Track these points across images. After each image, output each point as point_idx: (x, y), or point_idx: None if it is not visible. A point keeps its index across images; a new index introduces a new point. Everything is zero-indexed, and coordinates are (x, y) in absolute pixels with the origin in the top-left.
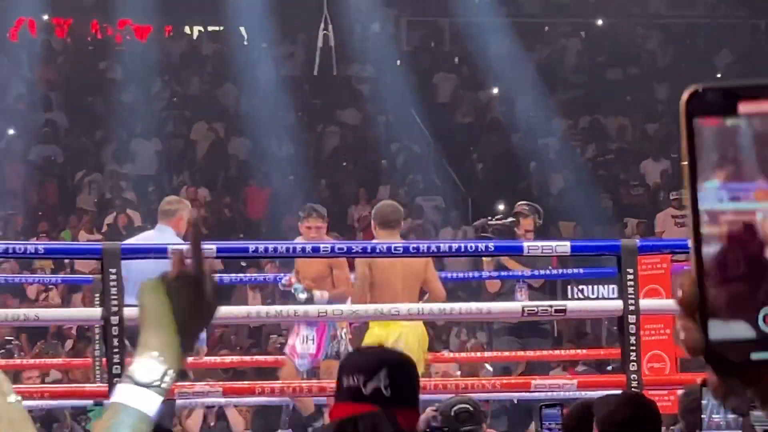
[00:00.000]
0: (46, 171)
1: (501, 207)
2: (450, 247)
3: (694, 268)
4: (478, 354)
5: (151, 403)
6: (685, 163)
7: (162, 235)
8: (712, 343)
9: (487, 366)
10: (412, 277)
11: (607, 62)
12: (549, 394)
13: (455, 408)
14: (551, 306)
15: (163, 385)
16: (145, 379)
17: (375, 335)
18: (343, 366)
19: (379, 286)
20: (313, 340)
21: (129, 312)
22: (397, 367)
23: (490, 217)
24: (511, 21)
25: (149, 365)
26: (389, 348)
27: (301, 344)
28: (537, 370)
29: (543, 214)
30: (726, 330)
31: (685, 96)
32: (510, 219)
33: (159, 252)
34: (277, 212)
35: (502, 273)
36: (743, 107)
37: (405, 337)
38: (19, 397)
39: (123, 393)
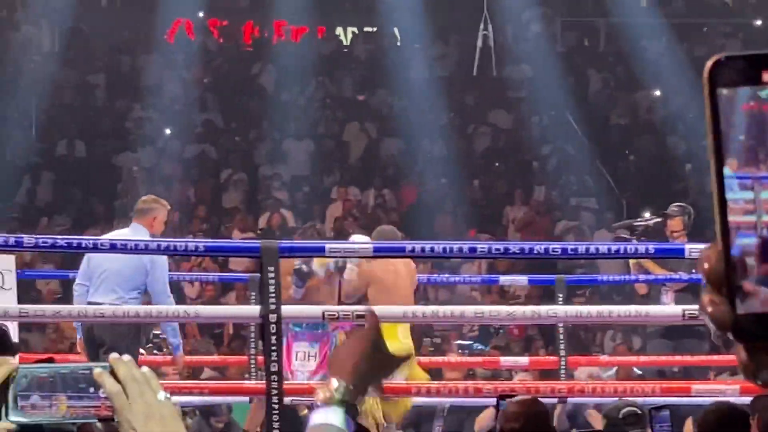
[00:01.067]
0: (202, 170)
1: (649, 210)
2: (609, 249)
3: (721, 239)
4: (633, 358)
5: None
6: (710, 136)
7: (135, 233)
8: (740, 317)
9: (636, 369)
10: (413, 281)
11: None
12: (710, 398)
13: (623, 411)
14: None
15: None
16: (335, 398)
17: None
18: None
19: (389, 292)
20: (315, 356)
21: (287, 310)
22: None
23: (635, 219)
24: (667, 21)
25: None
26: None
27: (299, 361)
28: (694, 374)
29: (693, 215)
30: (754, 304)
31: (708, 65)
32: (656, 219)
33: (317, 251)
34: (430, 212)
35: (650, 276)
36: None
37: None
38: (168, 394)
39: (321, 416)
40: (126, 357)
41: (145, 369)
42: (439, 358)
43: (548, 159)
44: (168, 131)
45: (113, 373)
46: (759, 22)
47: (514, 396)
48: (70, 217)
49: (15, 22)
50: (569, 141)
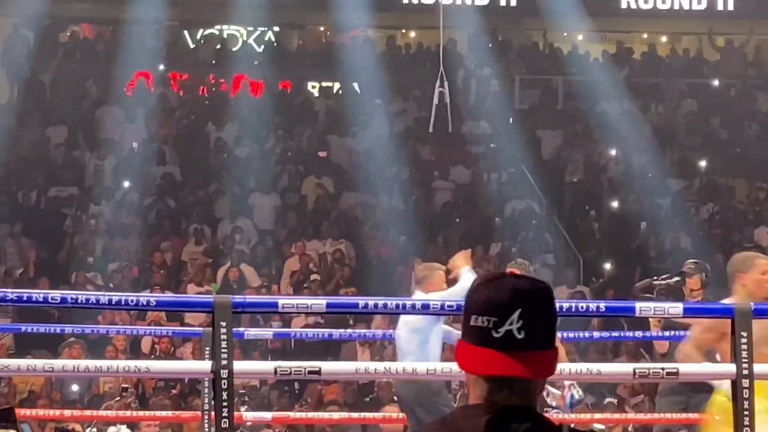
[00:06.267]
0: (161, 223)
1: (608, 266)
2: (560, 307)
3: None
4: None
5: None
6: None
7: None
8: None
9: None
10: None
11: (721, 123)
12: None
13: None
14: (663, 368)
15: None
16: None
17: None
18: (470, 301)
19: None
20: None
21: (239, 365)
22: (533, 305)
23: (655, 277)
24: (625, 80)
25: None
26: (522, 276)
27: None
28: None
29: (709, 272)
30: None
31: None
32: (675, 278)
33: (270, 306)
34: (388, 267)
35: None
36: None
37: None
38: None
39: None
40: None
41: None
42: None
43: (507, 215)
44: (127, 184)
45: None
46: (716, 83)
47: None
48: (26, 270)
49: None
50: (527, 198)
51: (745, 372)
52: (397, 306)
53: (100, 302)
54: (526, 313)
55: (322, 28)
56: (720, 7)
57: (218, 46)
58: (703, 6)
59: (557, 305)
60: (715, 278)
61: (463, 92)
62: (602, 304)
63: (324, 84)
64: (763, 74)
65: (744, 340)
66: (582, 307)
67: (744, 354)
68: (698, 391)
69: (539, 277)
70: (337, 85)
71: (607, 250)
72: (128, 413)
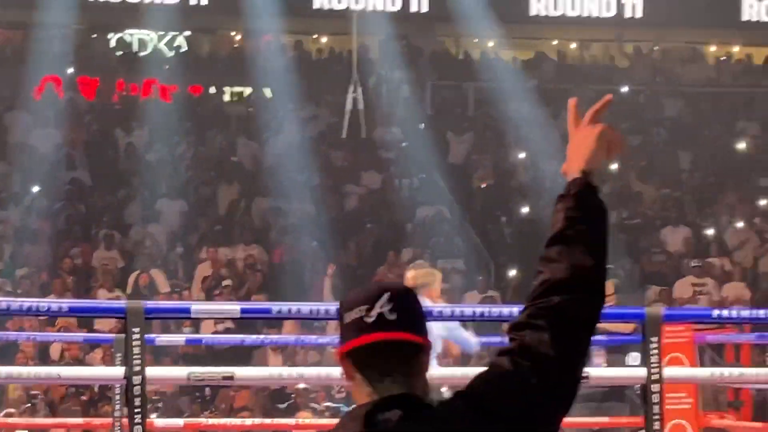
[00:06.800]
0: (70, 228)
1: (518, 272)
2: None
3: None
4: None
5: None
6: None
7: None
8: None
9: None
10: None
11: (630, 129)
12: None
13: None
14: None
15: None
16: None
17: None
18: (342, 304)
19: None
20: None
21: (151, 371)
22: (400, 293)
23: None
24: (535, 86)
25: None
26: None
27: None
28: None
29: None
30: None
31: None
32: None
33: (182, 312)
34: (299, 272)
35: None
36: None
37: None
38: None
39: None
40: None
41: None
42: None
43: (418, 220)
44: (35, 189)
45: None
46: (625, 89)
47: None
48: None
49: None
50: (438, 203)
51: (655, 377)
52: (311, 312)
53: (11, 308)
54: (394, 297)
55: (233, 33)
56: (628, 14)
57: (128, 51)
58: (612, 13)
59: (471, 310)
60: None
61: (375, 98)
62: (514, 309)
63: (235, 89)
64: (670, 81)
65: (654, 345)
66: (495, 312)
67: (654, 359)
68: (610, 397)
69: (448, 281)
70: (248, 91)
71: (518, 255)
72: (38, 420)
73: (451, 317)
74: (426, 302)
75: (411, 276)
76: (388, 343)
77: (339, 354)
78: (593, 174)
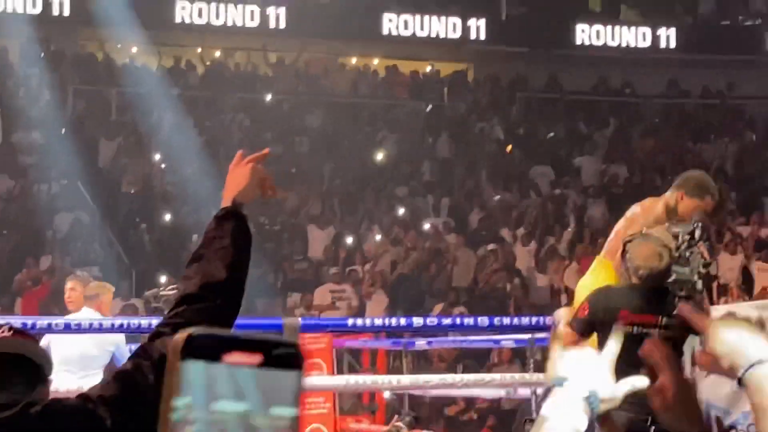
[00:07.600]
0: None
1: (164, 278)
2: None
3: None
4: None
5: None
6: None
7: None
8: None
9: None
10: None
11: (273, 138)
12: None
13: None
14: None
15: None
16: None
17: None
18: None
19: None
20: None
21: None
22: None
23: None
24: (180, 94)
25: None
26: None
27: None
28: None
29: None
30: None
31: (180, 338)
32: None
33: None
34: None
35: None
36: (227, 357)
37: None
38: None
39: None
40: None
41: None
42: None
43: (57, 227)
44: None
45: None
46: (269, 98)
47: None
48: None
49: None
50: (78, 208)
51: None
52: None
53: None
54: None
55: None
56: (272, 24)
57: None
58: (256, 23)
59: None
60: (269, 290)
61: (14, 101)
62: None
63: None
64: (313, 90)
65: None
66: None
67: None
68: None
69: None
70: None
71: (159, 262)
72: None
73: (90, 330)
74: (95, 314)
75: (72, 286)
76: None
77: None
78: (243, 204)
